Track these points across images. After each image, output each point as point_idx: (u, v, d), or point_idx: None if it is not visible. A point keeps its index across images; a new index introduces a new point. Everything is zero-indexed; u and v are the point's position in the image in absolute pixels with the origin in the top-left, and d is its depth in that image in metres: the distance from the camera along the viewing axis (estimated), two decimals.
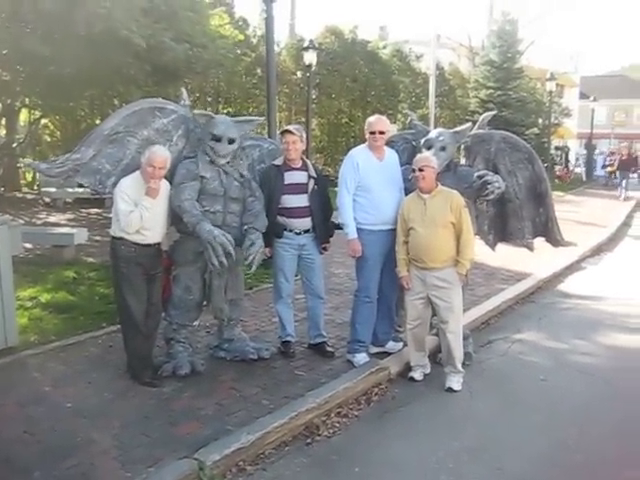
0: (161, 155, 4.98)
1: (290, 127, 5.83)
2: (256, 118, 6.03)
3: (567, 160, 35.42)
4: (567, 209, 16.61)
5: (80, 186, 5.53)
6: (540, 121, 29.91)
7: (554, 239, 6.22)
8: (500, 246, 6.45)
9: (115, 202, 5.00)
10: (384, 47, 27.04)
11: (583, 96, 44.32)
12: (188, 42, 10.92)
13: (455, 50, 34.69)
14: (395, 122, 24.06)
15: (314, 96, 23.46)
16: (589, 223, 15.46)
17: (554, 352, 6.44)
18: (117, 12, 8.61)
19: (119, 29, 8.90)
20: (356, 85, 24.61)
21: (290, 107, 25.69)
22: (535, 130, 27.44)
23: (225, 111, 22.32)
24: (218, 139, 5.22)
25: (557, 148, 35.36)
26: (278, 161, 5.74)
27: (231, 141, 5.28)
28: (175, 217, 5.23)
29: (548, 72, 26.05)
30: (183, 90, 5.85)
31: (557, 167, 31.77)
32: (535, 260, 8.71)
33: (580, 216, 16.32)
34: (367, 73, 24.70)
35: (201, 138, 5.35)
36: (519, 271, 9.55)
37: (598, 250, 12.56)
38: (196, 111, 5.47)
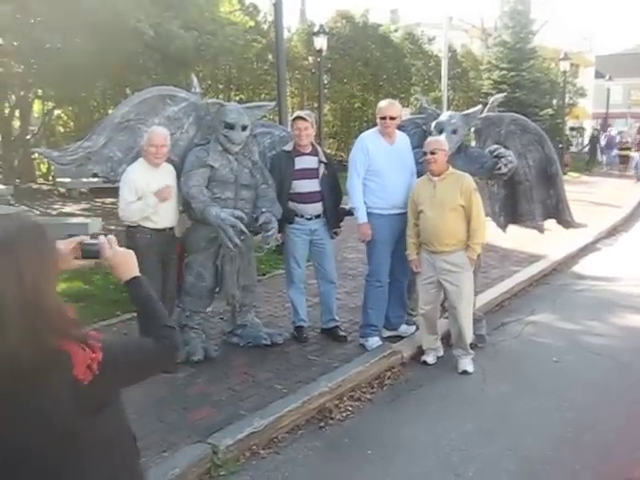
0: (160, 133, 5.01)
1: (301, 113, 5.84)
2: (266, 103, 6.04)
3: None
4: (583, 190, 16.50)
5: (94, 176, 5.55)
6: (554, 102, 29.60)
7: (565, 221, 6.20)
8: (514, 228, 6.44)
9: (120, 188, 5.04)
10: (396, 30, 26.81)
11: (598, 75, 43.76)
12: (196, 30, 10.89)
13: (468, 32, 34.37)
14: (408, 106, 23.90)
15: (326, 81, 23.35)
16: (604, 204, 15.34)
17: (568, 334, 6.43)
18: (124, 2, 8.60)
19: (127, 18, 8.91)
20: (368, 69, 24.42)
21: (302, 93, 25.57)
22: (549, 111, 27.14)
23: (237, 98, 22.27)
24: (231, 127, 5.21)
25: (572, 129, 35.00)
26: (288, 147, 5.75)
27: (244, 128, 5.28)
28: (186, 203, 5.27)
29: (562, 52, 25.72)
30: (194, 77, 5.86)
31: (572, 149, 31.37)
32: (550, 241, 8.68)
33: (595, 197, 16.20)
34: (379, 57, 24.49)
35: (212, 126, 5.36)
36: (533, 253, 9.51)
37: (613, 231, 12.46)
38: (207, 100, 5.48)
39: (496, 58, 27.35)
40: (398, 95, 25.62)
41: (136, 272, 1.94)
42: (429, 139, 5.48)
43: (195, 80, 5.75)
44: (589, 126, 40.18)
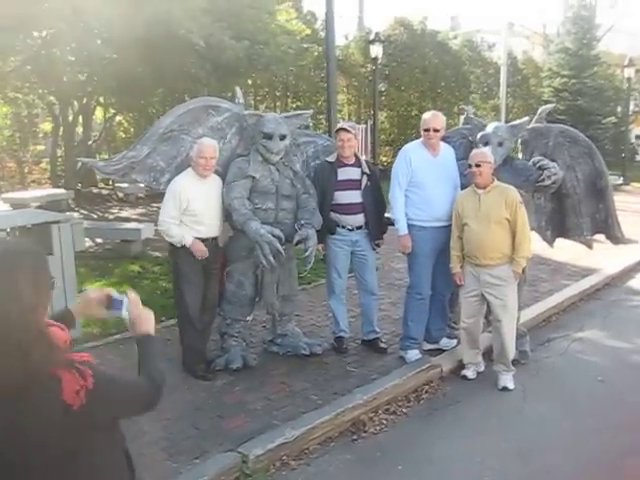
0: (209, 145, 5.11)
1: (344, 124, 5.88)
2: (305, 112, 6.06)
3: None
4: None
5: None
6: (619, 109, 28.80)
7: (614, 236, 6.01)
8: (567, 241, 6.28)
9: (165, 198, 5.15)
10: (454, 37, 26.60)
11: None
12: (249, 40, 11.05)
13: (529, 38, 33.78)
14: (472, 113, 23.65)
15: (383, 89, 23.33)
16: None
17: (616, 352, 6.23)
18: (176, 13, 8.81)
19: (178, 29, 9.12)
20: (426, 77, 24.28)
21: (359, 100, 25.62)
22: (612, 119, 26.40)
23: (294, 105, 22.49)
24: (269, 137, 5.27)
25: (638, 137, 33.94)
26: (331, 157, 5.76)
27: (282, 137, 5.33)
28: (228, 214, 5.34)
29: (627, 58, 24.99)
30: (237, 89, 5.94)
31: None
32: (605, 255, 8.46)
33: None
34: (437, 64, 24.33)
35: (253, 136, 5.42)
36: (586, 266, 9.24)
37: None
38: (245, 112, 5.55)
39: (557, 65, 26.79)
40: (456, 102, 25.44)
41: (151, 331, 2.06)
42: (474, 151, 5.41)
43: (239, 91, 5.82)
44: None
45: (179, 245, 5.18)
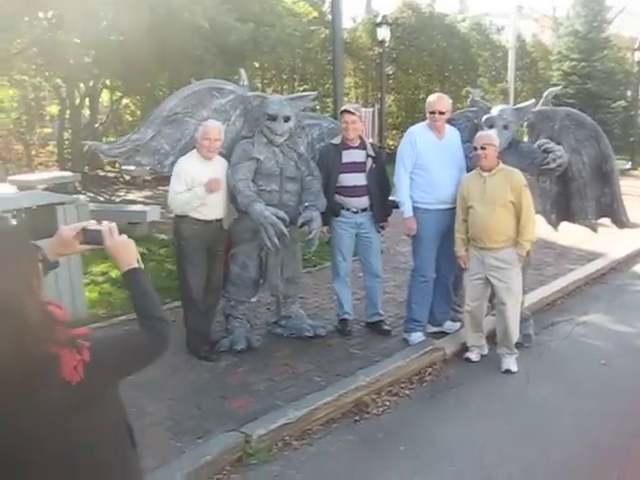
0: (214, 127, 5.10)
1: (349, 106, 5.85)
2: (309, 93, 6.03)
3: None
4: None
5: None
6: (629, 93, 28.55)
7: (619, 220, 6.00)
8: (572, 225, 6.27)
9: (171, 179, 5.16)
10: (463, 20, 26.40)
11: None
12: (254, 22, 10.99)
13: (538, 21, 33.50)
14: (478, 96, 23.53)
15: (391, 72, 23.21)
16: None
17: (620, 336, 6.23)
18: None
19: (182, 12, 9.09)
20: (433, 60, 24.15)
21: (366, 83, 25.51)
22: (622, 103, 26.20)
23: (301, 88, 22.38)
24: (274, 118, 5.26)
25: None
26: (336, 140, 5.75)
27: (287, 119, 5.32)
28: (232, 196, 5.34)
29: (638, 41, 24.72)
30: (242, 71, 5.92)
31: None
32: (611, 239, 8.44)
33: None
34: (445, 47, 24.18)
35: (258, 118, 5.41)
36: (592, 251, 9.21)
37: None
38: (249, 93, 5.53)
39: (567, 48, 26.58)
40: (464, 86, 25.25)
41: (135, 263, 1.96)
42: (479, 134, 5.39)
43: (244, 74, 5.80)
44: None
45: (198, 203, 5.08)
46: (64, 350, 1.64)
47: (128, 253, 1.96)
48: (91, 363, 1.66)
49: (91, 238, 1.96)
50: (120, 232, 1.99)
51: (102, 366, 1.71)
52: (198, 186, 5.07)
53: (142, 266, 1.99)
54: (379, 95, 19.56)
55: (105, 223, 1.98)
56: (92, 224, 1.99)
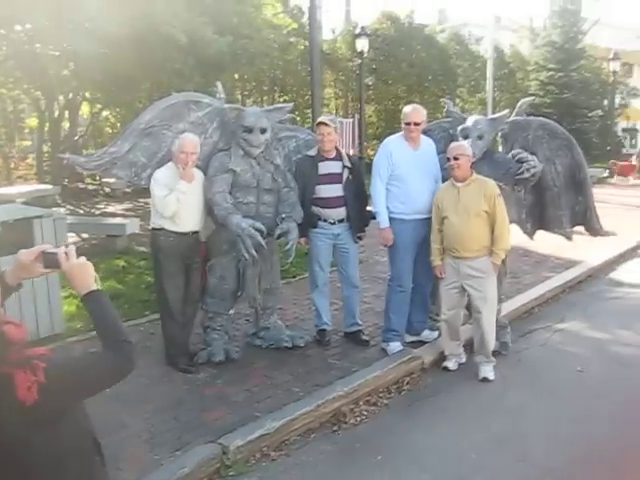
0: (191, 140, 5.12)
1: (324, 118, 5.87)
2: (285, 105, 6.07)
3: None
4: (631, 193, 16.10)
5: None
6: (605, 102, 28.96)
7: (592, 228, 6.09)
8: (549, 234, 6.34)
9: (152, 191, 5.16)
10: (442, 31, 26.68)
11: None
12: (233, 34, 11.04)
13: (516, 32, 33.88)
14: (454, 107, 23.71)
15: (370, 82, 23.36)
16: None
17: (596, 343, 6.31)
18: (158, 9, 8.80)
19: (160, 25, 9.12)
20: (413, 70, 24.34)
21: (347, 94, 25.65)
22: (599, 112, 26.57)
23: (281, 99, 22.47)
24: (250, 130, 5.29)
25: (624, 130, 34.15)
26: (312, 152, 5.78)
27: (263, 131, 5.34)
28: (209, 208, 5.36)
29: (612, 51, 25.10)
30: (218, 84, 5.94)
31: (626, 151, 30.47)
32: (589, 247, 8.54)
33: None
34: (424, 58, 24.40)
35: (234, 131, 5.44)
36: (570, 258, 9.31)
37: None
38: (226, 105, 5.55)
39: (544, 58, 26.95)
40: (443, 96, 25.37)
41: (93, 286, 1.93)
42: (452, 145, 5.45)
43: (220, 86, 5.83)
44: None
45: (183, 197, 5.05)
46: (18, 370, 1.63)
47: (84, 276, 1.92)
48: (47, 384, 1.65)
49: (48, 262, 1.94)
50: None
51: (59, 387, 1.69)
52: (178, 181, 5.07)
53: (100, 287, 1.96)
54: (359, 106, 19.68)
55: (62, 247, 1.96)
56: (49, 247, 1.98)
